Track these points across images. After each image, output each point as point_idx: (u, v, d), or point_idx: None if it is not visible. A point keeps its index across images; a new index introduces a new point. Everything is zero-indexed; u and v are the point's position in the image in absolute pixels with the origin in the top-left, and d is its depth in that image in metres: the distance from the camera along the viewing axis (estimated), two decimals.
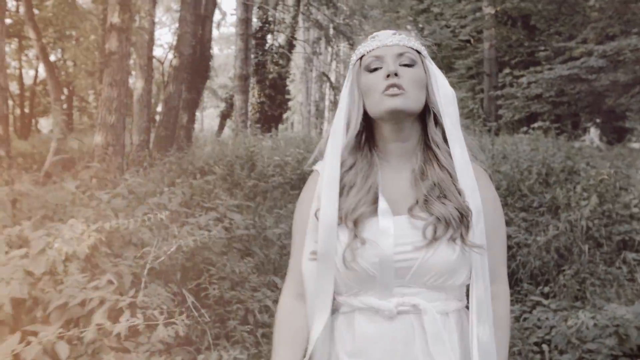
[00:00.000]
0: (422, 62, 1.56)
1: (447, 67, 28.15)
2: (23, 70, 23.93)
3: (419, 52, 1.56)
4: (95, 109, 20.68)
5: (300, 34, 25.26)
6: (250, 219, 5.30)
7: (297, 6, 23.29)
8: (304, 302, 1.56)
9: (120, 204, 3.72)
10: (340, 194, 1.50)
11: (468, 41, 26.62)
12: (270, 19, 22.22)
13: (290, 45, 23.49)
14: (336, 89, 33.23)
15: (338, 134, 1.55)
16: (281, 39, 23.72)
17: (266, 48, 22.34)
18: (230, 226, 4.28)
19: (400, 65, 1.50)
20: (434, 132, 1.53)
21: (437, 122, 1.54)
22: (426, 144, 1.55)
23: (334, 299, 1.52)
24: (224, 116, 24.01)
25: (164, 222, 3.23)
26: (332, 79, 31.85)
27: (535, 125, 10.43)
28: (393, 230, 1.43)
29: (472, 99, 23.15)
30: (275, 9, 22.54)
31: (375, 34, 1.59)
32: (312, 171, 1.65)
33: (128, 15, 11.15)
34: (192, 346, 3.18)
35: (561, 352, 3.60)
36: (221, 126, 23.93)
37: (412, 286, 1.45)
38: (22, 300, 2.32)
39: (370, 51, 1.55)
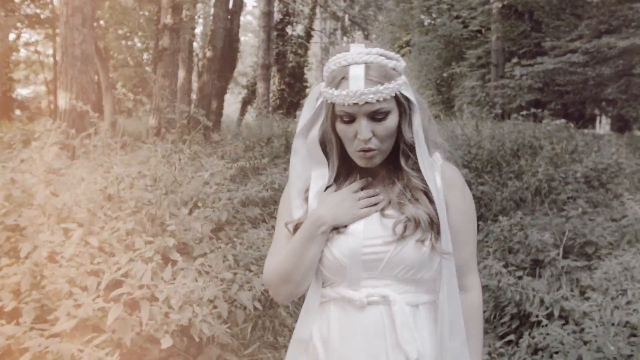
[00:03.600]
0: (397, 100, 1.60)
1: (458, 57, 30.38)
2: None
3: (394, 95, 1.58)
4: (123, 96, 23.31)
5: (317, 25, 27.66)
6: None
7: None
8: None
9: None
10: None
11: (479, 31, 28.82)
12: (290, 11, 24.70)
13: (308, 35, 26.00)
14: None
15: (314, 148, 1.71)
16: (299, 29, 26.21)
17: (286, 39, 24.85)
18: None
19: (373, 119, 1.58)
20: (404, 162, 1.66)
21: (408, 153, 1.66)
22: (399, 164, 1.68)
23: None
24: (245, 102, 26.54)
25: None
26: None
27: (523, 113, 12.94)
28: (362, 228, 1.62)
29: (481, 88, 25.29)
30: (294, 1, 24.97)
31: (345, 65, 1.58)
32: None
33: (178, 17, 13.71)
34: None
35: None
36: (242, 112, 26.46)
37: (383, 278, 1.61)
38: None
39: (340, 105, 1.58)
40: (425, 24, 33.45)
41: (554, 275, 4.65)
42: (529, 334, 4.01)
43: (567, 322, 3.85)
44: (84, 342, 2.39)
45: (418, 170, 1.63)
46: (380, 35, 36.51)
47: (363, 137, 1.57)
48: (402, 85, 1.60)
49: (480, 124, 13.41)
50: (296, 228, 1.68)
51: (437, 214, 1.60)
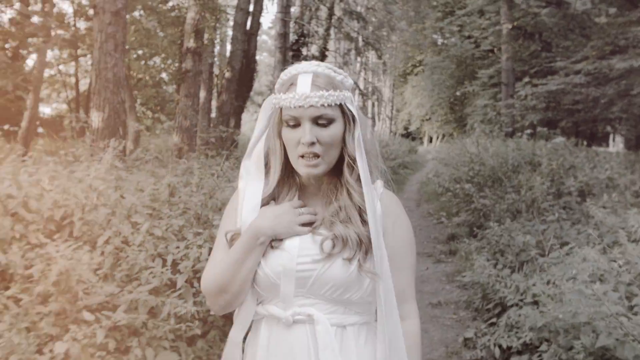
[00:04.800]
0: (342, 111, 1.70)
1: (470, 76, 31.34)
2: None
3: (338, 103, 1.67)
4: (142, 114, 24.47)
5: (331, 45, 28.74)
6: None
7: (329, 20, 26.81)
8: None
9: None
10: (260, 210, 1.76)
11: (491, 51, 29.78)
12: (305, 32, 25.79)
13: (323, 55, 27.04)
14: (365, 96, 36.74)
15: (259, 171, 1.79)
16: (314, 49, 27.28)
17: (301, 59, 25.88)
18: None
19: (317, 125, 1.66)
20: (348, 175, 1.73)
21: (352, 166, 1.72)
22: (341, 179, 1.75)
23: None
24: None
25: None
26: (361, 86, 35.46)
27: (527, 131, 13.88)
28: (298, 244, 1.67)
29: (492, 106, 26.16)
30: (309, 23, 26.08)
31: (294, 73, 1.69)
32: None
33: (201, 41, 14.78)
34: None
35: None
36: None
37: (311, 297, 1.67)
38: None
39: (287, 109, 1.67)
40: (438, 43, 34.51)
41: (532, 269, 5.57)
42: (507, 316, 4.93)
43: (537, 304, 4.76)
44: (164, 296, 3.36)
45: (360, 185, 1.70)
46: (393, 55, 37.63)
47: (306, 140, 1.63)
48: (348, 98, 1.70)
49: (490, 142, 14.38)
50: (233, 239, 1.73)
51: (368, 235, 1.66)
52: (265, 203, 1.75)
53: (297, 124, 1.66)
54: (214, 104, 20.24)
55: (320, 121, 1.65)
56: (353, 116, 1.71)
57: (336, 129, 1.67)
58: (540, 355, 4.06)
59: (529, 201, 9.00)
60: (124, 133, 12.57)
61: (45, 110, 30.66)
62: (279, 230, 1.67)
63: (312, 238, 1.68)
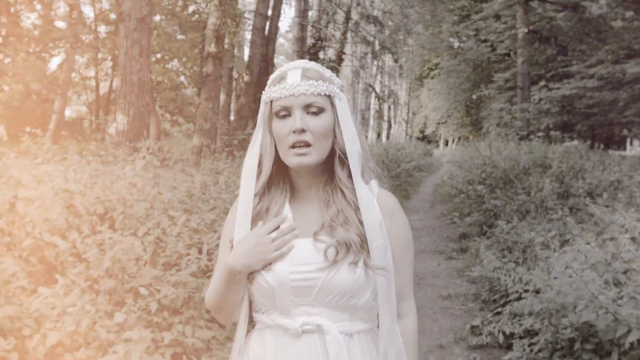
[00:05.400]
0: (332, 103, 1.71)
1: (486, 79, 31.73)
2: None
3: (328, 95, 1.70)
4: (162, 117, 25.14)
5: (348, 49, 29.22)
6: None
7: (346, 23, 27.30)
8: None
9: None
10: (255, 220, 1.73)
11: (507, 54, 30.12)
12: (322, 36, 26.30)
13: (340, 59, 27.55)
14: (381, 99, 37.26)
15: (252, 166, 1.74)
16: (331, 53, 27.78)
17: (318, 62, 26.40)
18: None
19: (308, 113, 1.67)
20: (340, 172, 1.72)
21: (344, 162, 1.72)
22: (333, 178, 1.75)
23: (252, 316, 1.77)
24: None
25: None
26: (377, 90, 35.99)
27: (539, 134, 14.29)
28: (291, 255, 1.66)
29: (508, 111, 26.49)
30: (326, 27, 26.58)
31: (285, 70, 1.72)
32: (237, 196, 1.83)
33: (221, 46, 15.30)
34: None
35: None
36: None
37: (317, 305, 1.65)
38: None
39: (278, 99, 1.68)
40: (455, 47, 34.89)
41: (535, 263, 6.02)
42: (510, 305, 5.38)
43: (538, 293, 5.20)
44: (203, 278, 3.85)
45: (352, 182, 1.71)
46: (409, 59, 38.04)
47: (297, 127, 1.63)
48: (337, 94, 1.72)
49: (504, 145, 14.80)
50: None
51: (365, 236, 1.66)
52: (255, 214, 1.73)
53: (287, 114, 1.67)
54: (232, 107, 20.85)
55: (311, 109, 1.67)
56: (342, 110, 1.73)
57: (327, 118, 1.68)
58: (537, 336, 4.52)
59: (538, 202, 9.42)
60: (147, 135, 13.11)
61: (65, 112, 31.44)
62: (253, 266, 1.66)
63: (315, 245, 1.66)
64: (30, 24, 17.20)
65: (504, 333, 5.23)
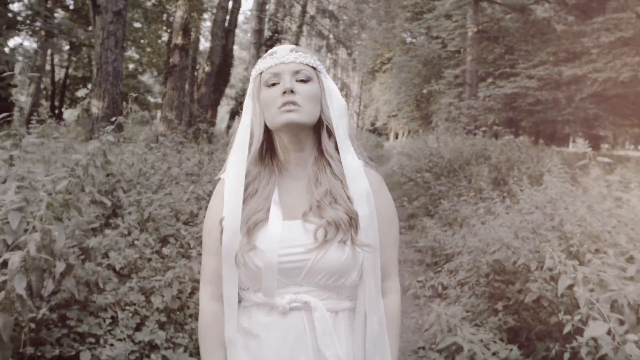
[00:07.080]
0: (318, 77, 1.80)
1: (437, 75, 33.31)
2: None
3: (314, 68, 1.80)
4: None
5: (303, 42, 30.54)
6: None
7: (303, 17, 28.63)
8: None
9: None
10: (244, 201, 1.74)
11: (458, 51, 31.75)
12: (279, 28, 27.59)
13: None
14: None
15: (243, 144, 1.79)
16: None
17: None
18: None
19: (296, 81, 1.75)
20: (327, 143, 1.79)
21: (330, 134, 1.80)
22: (321, 153, 1.81)
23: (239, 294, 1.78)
24: (234, 113, 29.31)
25: None
26: None
27: (483, 129, 15.98)
28: (279, 237, 1.68)
29: (456, 106, 28.04)
30: (283, 20, 27.87)
31: (275, 49, 1.82)
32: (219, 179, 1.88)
33: (188, 38, 16.45)
34: None
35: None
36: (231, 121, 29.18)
37: (305, 285, 1.71)
38: None
39: (268, 68, 1.77)
40: (407, 42, 36.45)
41: (469, 232, 7.59)
42: (448, 264, 6.89)
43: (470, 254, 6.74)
44: None
45: (339, 155, 1.78)
46: (362, 53, 39.54)
47: (286, 87, 1.71)
48: (324, 72, 1.84)
49: (451, 139, 16.41)
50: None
51: (356, 210, 1.71)
52: (246, 196, 1.76)
53: (277, 82, 1.75)
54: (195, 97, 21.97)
55: (300, 76, 1.75)
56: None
57: (315, 87, 1.77)
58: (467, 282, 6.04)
59: (477, 187, 11.02)
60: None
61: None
62: None
63: (304, 227, 1.71)
64: None
65: (442, 285, 6.72)
